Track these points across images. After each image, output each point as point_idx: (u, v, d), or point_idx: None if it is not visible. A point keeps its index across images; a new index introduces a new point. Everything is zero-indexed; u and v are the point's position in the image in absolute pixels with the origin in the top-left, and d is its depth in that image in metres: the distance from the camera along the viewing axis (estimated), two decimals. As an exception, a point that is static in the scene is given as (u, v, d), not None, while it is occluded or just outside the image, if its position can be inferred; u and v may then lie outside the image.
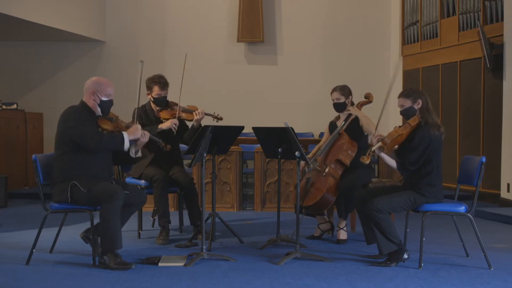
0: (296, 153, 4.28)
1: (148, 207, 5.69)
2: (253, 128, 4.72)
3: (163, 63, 9.53)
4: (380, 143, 4.12)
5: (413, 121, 4.19)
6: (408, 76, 9.62)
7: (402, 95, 4.32)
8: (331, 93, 5.11)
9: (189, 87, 8.29)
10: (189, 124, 5.23)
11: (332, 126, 5.22)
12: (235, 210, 6.88)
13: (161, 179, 4.92)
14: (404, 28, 9.74)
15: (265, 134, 4.70)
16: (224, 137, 4.62)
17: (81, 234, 4.31)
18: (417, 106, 4.24)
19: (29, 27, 8.36)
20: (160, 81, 5.06)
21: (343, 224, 4.98)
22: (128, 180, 5.14)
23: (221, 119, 5.20)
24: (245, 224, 6.01)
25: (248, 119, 8.02)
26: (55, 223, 4.67)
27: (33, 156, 4.18)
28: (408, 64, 9.65)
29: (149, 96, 5.15)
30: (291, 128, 4.27)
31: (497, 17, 7.61)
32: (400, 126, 4.24)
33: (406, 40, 9.71)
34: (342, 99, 5.05)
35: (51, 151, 4.46)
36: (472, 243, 4.53)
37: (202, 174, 4.37)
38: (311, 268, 4.09)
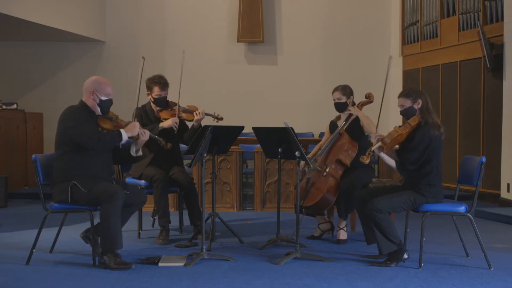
0: (296, 153, 4.28)
1: (148, 207, 5.69)
2: (253, 128, 4.72)
3: (163, 63, 9.53)
4: (379, 143, 4.12)
5: (413, 121, 4.19)
6: (408, 76, 9.63)
7: (402, 95, 4.32)
8: (333, 92, 5.10)
9: (189, 87, 8.35)
10: (189, 124, 5.24)
11: (333, 125, 5.22)
12: (235, 210, 6.88)
13: (161, 179, 4.92)
14: (404, 28, 9.74)
15: (265, 134, 4.70)
16: (224, 137, 4.62)
17: (81, 234, 4.31)
18: (417, 106, 4.24)
19: (29, 27, 8.36)
20: (160, 82, 5.06)
21: (343, 224, 4.98)
22: (128, 180, 5.14)
23: (221, 119, 5.20)
24: (245, 224, 6.01)
25: (248, 119, 8.02)
26: (55, 223, 4.67)
27: (33, 156, 4.18)
28: (408, 64, 9.65)
29: (149, 97, 5.15)
30: (291, 128, 4.27)
31: (497, 17, 7.61)
32: (400, 126, 4.24)
33: (406, 40, 9.71)
34: (344, 99, 5.04)
35: (51, 151, 4.46)
36: (472, 243, 4.53)
37: (202, 174, 4.37)
38: (311, 268, 4.09)
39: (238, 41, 9.83)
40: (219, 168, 6.84)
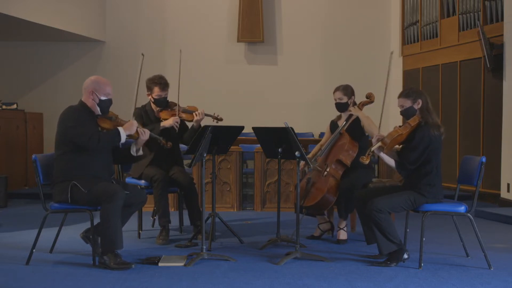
0: (296, 153, 4.28)
1: (148, 207, 5.69)
2: (253, 128, 4.72)
3: (163, 63, 9.53)
4: (379, 143, 4.12)
5: (413, 121, 4.19)
6: (408, 76, 9.62)
7: (402, 95, 4.32)
8: (334, 92, 5.09)
9: (189, 87, 8.35)
10: (189, 124, 5.23)
11: (333, 125, 5.22)
12: (235, 210, 6.88)
13: (161, 179, 4.92)
14: (404, 28, 9.74)
15: (265, 134, 4.70)
16: (224, 137, 4.62)
17: (81, 234, 4.31)
18: (417, 106, 4.24)
19: (29, 27, 8.36)
20: (161, 82, 5.06)
21: (343, 224, 4.98)
22: (128, 180, 5.14)
23: (221, 120, 5.19)
24: (245, 224, 6.01)
25: (248, 119, 8.03)
26: (55, 223, 4.67)
27: (33, 156, 4.18)
28: (408, 64, 9.65)
29: (150, 97, 5.15)
30: (291, 128, 4.27)
31: (497, 17, 7.61)
32: (400, 126, 4.24)
33: (406, 40, 9.71)
34: (345, 99, 5.04)
35: (51, 151, 4.46)
36: (472, 243, 4.53)
37: (202, 174, 4.37)
38: (311, 268, 4.09)
39: (238, 41, 9.83)
40: (219, 168, 6.84)
